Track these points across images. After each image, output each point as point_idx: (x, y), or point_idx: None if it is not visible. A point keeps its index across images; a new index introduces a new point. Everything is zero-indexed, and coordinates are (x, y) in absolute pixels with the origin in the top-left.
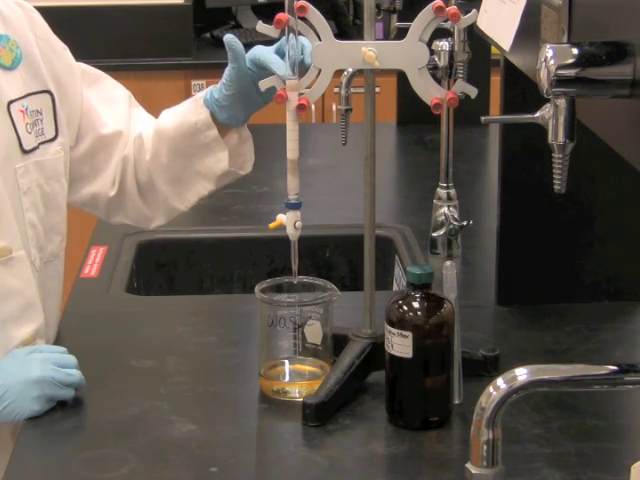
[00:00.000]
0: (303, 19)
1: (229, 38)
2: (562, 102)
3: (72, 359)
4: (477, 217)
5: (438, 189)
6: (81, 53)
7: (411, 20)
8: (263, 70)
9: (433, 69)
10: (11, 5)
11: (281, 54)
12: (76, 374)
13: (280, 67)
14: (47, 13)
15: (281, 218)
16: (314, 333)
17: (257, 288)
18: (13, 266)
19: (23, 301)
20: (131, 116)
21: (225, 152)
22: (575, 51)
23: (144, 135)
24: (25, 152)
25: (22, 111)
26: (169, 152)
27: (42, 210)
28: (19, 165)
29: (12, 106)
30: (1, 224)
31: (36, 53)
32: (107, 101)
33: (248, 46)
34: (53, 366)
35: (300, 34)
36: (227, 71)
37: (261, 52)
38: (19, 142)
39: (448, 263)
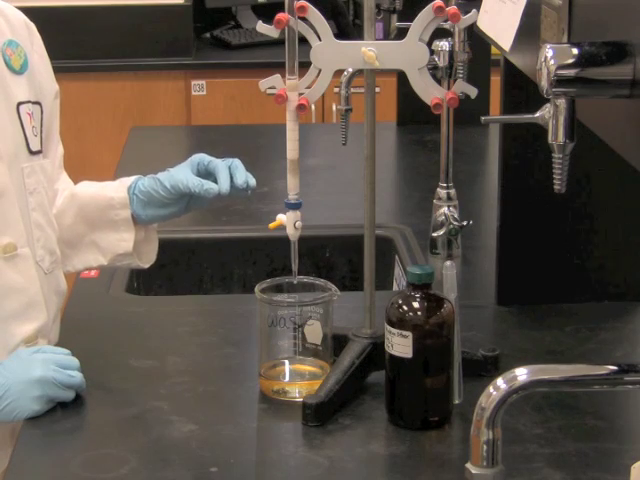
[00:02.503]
0: (303, 19)
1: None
2: (562, 102)
3: (75, 361)
4: (477, 217)
5: (438, 189)
6: (81, 53)
7: (411, 20)
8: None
9: (433, 69)
10: (17, 16)
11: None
12: (78, 376)
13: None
14: (48, 13)
15: (281, 218)
16: (314, 333)
17: (257, 288)
18: (17, 263)
19: (26, 299)
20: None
21: (132, 234)
22: (575, 51)
23: (59, 192)
24: (31, 153)
25: (29, 114)
26: (76, 215)
27: (50, 214)
28: (25, 165)
29: (21, 107)
30: (7, 220)
31: (34, 65)
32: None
33: (249, 47)
34: (55, 367)
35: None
36: (174, 181)
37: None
38: (26, 142)
39: (448, 263)
